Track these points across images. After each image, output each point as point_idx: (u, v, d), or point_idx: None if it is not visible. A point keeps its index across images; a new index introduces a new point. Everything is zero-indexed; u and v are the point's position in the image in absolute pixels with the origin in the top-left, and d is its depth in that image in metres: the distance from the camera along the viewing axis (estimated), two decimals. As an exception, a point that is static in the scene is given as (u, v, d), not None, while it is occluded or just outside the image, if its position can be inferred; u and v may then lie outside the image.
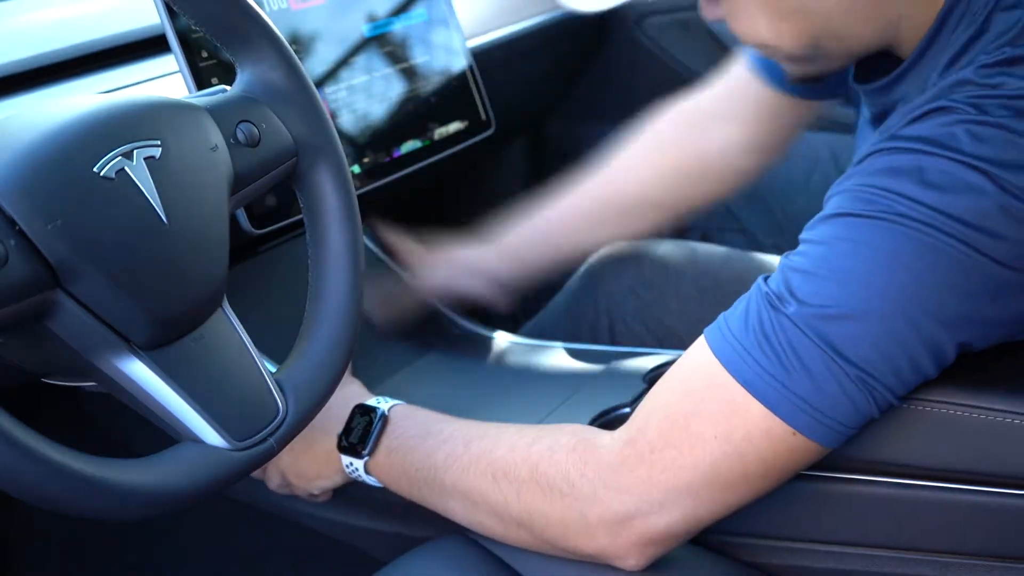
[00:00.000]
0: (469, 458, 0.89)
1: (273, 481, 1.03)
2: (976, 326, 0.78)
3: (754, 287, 0.81)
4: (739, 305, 0.82)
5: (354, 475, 0.97)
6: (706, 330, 0.83)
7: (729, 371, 0.79)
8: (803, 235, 0.81)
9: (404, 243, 1.31)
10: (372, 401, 0.99)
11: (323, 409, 0.93)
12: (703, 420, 0.80)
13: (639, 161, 1.28)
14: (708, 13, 0.89)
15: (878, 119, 0.91)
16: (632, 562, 0.84)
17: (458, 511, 0.91)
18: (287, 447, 0.99)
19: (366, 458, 0.95)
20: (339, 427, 0.97)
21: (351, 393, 1.02)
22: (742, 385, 0.78)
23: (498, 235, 1.29)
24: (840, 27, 0.84)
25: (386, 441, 0.95)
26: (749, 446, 0.79)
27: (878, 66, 0.89)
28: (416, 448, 0.93)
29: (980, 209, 0.74)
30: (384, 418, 0.96)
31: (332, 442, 0.98)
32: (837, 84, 1.15)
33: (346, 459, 0.97)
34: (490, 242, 1.29)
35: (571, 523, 0.84)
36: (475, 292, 1.28)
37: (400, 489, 0.95)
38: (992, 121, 0.75)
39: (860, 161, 0.80)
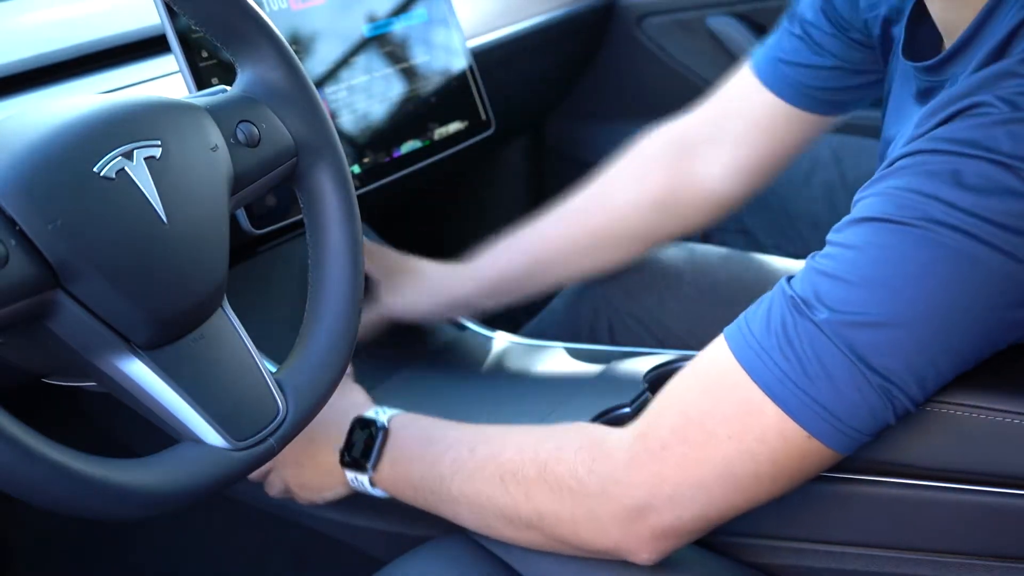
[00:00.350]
0: (475, 463, 0.89)
1: (275, 488, 1.03)
2: (1003, 332, 0.77)
3: (777, 288, 0.80)
4: (761, 305, 0.81)
5: (359, 488, 0.97)
6: (726, 330, 0.82)
7: (748, 373, 0.78)
8: (831, 237, 0.80)
9: (380, 252, 1.26)
10: (371, 413, 0.98)
11: (324, 423, 0.93)
12: (717, 419, 0.79)
13: (619, 192, 1.24)
14: None
15: (926, 94, 0.89)
16: (645, 556, 0.84)
17: (466, 516, 0.91)
18: (292, 460, 0.99)
19: (370, 472, 0.95)
20: (340, 439, 0.97)
21: (351, 403, 1.01)
22: (760, 388, 0.78)
23: (477, 262, 1.25)
24: None
25: (389, 453, 0.95)
26: (762, 447, 0.78)
27: (926, 43, 0.87)
28: (420, 457, 0.92)
29: (1018, 211, 0.72)
30: (385, 430, 0.96)
31: (334, 456, 0.97)
32: (852, 98, 1.15)
33: (350, 474, 0.96)
34: (468, 268, 1.24)
35: (581, 520, 0.84)
36: (437, 316, 1.24)
37: (407, 498, 0.95)
38: None
39: (892, 163, 0.78)
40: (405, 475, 0.94)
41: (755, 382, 0.78)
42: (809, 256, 0.80)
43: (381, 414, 0.97)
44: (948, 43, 0.85)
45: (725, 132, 1.20)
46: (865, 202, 0.78)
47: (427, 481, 0.92)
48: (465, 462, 0.89)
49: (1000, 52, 0.77)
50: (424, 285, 1.22)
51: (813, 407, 0.77)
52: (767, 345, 0.78)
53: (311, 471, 1.00)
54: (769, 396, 0.77)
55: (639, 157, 1.25)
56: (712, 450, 0.80)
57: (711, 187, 1.21)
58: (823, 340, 0.76)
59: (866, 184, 0.80)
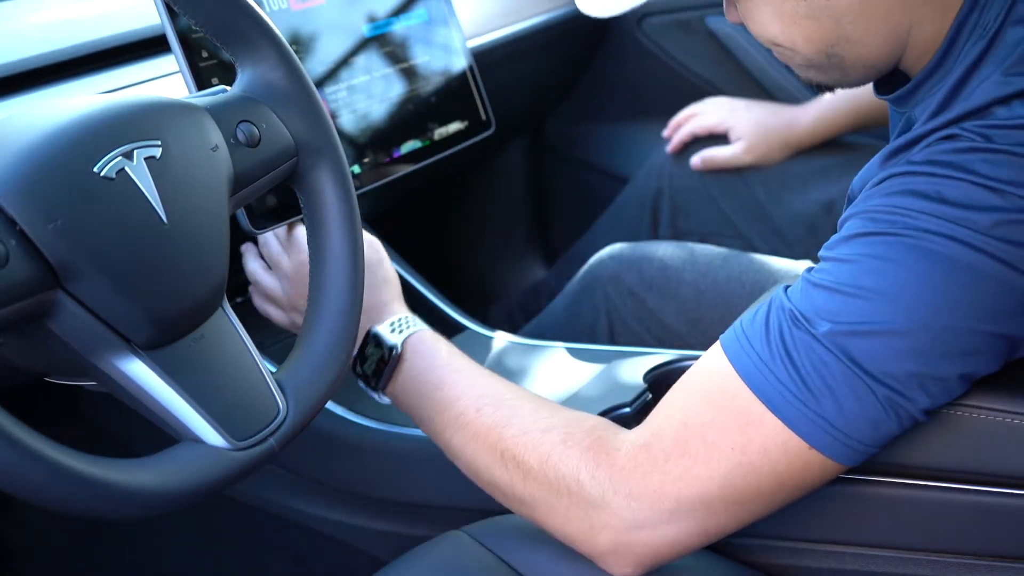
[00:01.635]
0: (479, 426, 0.89)
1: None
2: (1003, 342, 0.77)
3: (774, 299, 0.80)
4: (757, 315, 0.81)
5: (365, 389, 0.98)
6: (722, 338, 0.82)
7: (748, 384, 0.78)
8: (824, 253, 0.80)
9: None
10: (386, 331, 0.97)
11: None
12: (719, 430, 0.79)
13: None
14: (729, 17, 0.89)
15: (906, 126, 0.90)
16: (628, 571, 0.83)
17: (461, 467, 0.92)
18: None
19: (380, 389, 0.97)
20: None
21: (377, 303, 1.00)
22: (761, 400, 0.78)
23: None
24: (852, 33, 0.82)
25: (399, 380, 0.96)
26: (765, 460, 0.78)
27: (894, 79, 0.87)
28: (429, 396, 0.93)
29: (1005, 223, 0.73)
30: (398, 357, 0.96)
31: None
32: None
33: (361, 382, 0.98)
34: None
35: (574, 521, 0.84)
36: None
37: (409, 416, 0.96)
38: (1002, 149, 0.74)
39: (877, 183, 0.79)
40: (411, 406, 0.95)
41: (754, 394, 0.78)
42: (804, 271, 0.80)
43: (397, 334, 0.97)
44: (912, 75, 0.86)
45: None
46: (852, 221, 0.79)
47: (430, 424, 0.93)
48: (469, 422, 0.89)
49: (961, 84, 0.78)
50: None
51: (813, 419, 0.76)
52: (766, 357, 0.78)
53: None
54: (769, 408, 0.77)
55: None
56: (716, 463, 0.79)
57: None
58: (822, 352, 0.76)
59: (849, 207, 0.81)
